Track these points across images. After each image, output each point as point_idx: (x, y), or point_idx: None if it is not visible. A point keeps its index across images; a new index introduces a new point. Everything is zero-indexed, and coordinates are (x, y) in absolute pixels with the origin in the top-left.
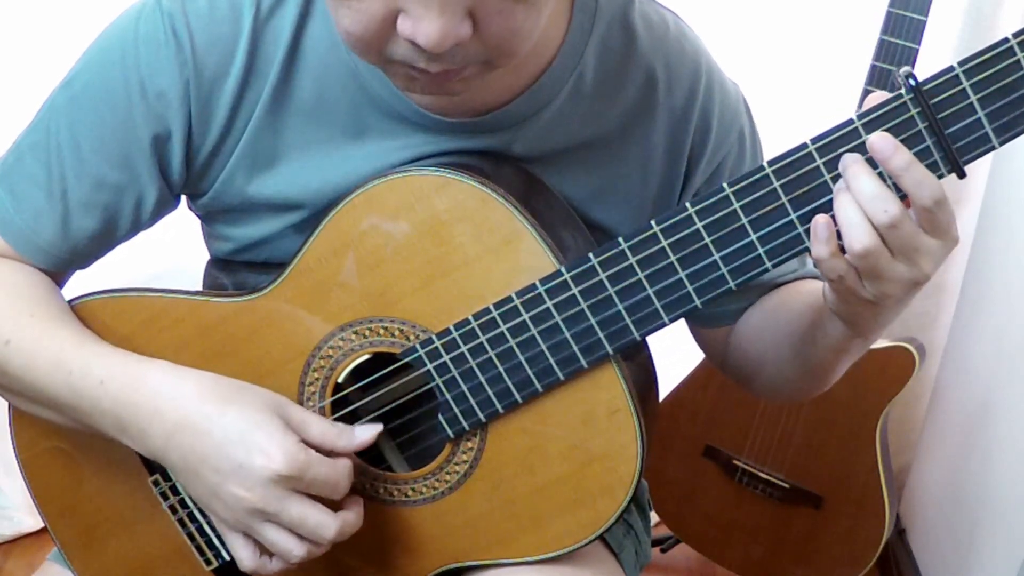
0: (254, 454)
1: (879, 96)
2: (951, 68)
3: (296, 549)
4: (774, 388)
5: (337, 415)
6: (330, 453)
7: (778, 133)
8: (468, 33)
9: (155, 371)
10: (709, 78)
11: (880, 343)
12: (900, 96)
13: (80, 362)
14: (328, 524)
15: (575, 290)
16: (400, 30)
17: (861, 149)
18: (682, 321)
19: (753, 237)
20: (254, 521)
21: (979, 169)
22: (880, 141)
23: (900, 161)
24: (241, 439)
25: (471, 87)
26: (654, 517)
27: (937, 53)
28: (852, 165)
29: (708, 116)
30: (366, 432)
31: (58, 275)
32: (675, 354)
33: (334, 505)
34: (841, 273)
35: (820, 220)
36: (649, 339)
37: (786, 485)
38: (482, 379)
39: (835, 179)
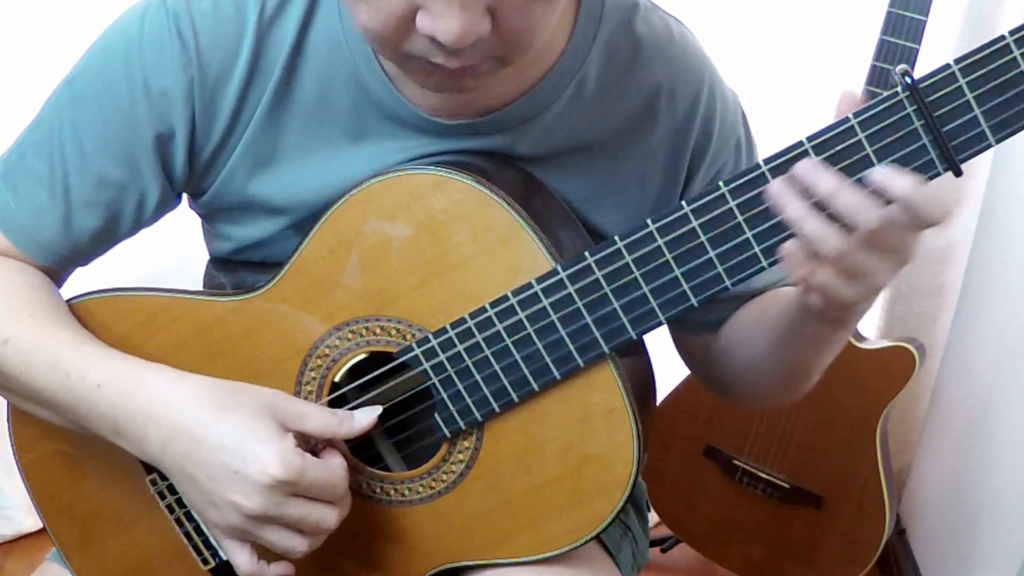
0: (250, 462)
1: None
2: (947, 66)
3: (300, 545)
4: (758, 392)
5: None
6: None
7: (778, 133)
8: (488, 29)
9: (151, 376)
10: (711, 87)
11: (880, 343)
12: (896, 94)
13: (77, 365)
14: (329, 516)
15: (571, 289)
16: (420, 26)
17: (857, 147)
18: None
19: (749, 235)
20: (253, 526)
21: (979, 169)
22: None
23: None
24: (237, 447)
25: (484, 84)
26: (654, 517)
27: (937, 53)
28: (812, 171)
29: (709, 125)
30: (365, 416)
31: (58, 273)
32: (675, 354)
33: None
34: (826, 283)
35: (788, 248)
36: (648, 339)
37: (786, 485)
38: (478, 378)
39: None
